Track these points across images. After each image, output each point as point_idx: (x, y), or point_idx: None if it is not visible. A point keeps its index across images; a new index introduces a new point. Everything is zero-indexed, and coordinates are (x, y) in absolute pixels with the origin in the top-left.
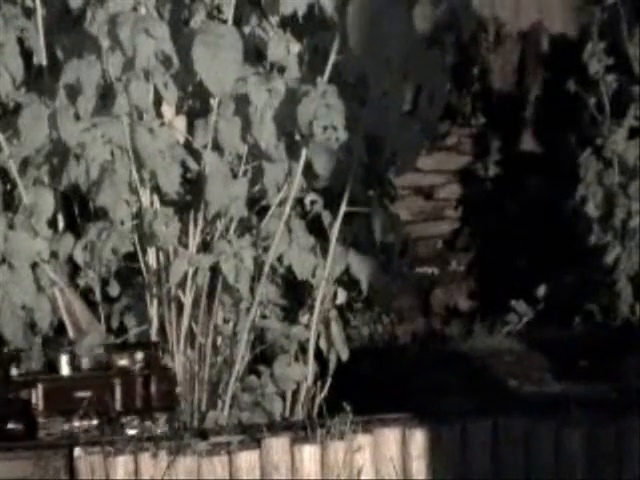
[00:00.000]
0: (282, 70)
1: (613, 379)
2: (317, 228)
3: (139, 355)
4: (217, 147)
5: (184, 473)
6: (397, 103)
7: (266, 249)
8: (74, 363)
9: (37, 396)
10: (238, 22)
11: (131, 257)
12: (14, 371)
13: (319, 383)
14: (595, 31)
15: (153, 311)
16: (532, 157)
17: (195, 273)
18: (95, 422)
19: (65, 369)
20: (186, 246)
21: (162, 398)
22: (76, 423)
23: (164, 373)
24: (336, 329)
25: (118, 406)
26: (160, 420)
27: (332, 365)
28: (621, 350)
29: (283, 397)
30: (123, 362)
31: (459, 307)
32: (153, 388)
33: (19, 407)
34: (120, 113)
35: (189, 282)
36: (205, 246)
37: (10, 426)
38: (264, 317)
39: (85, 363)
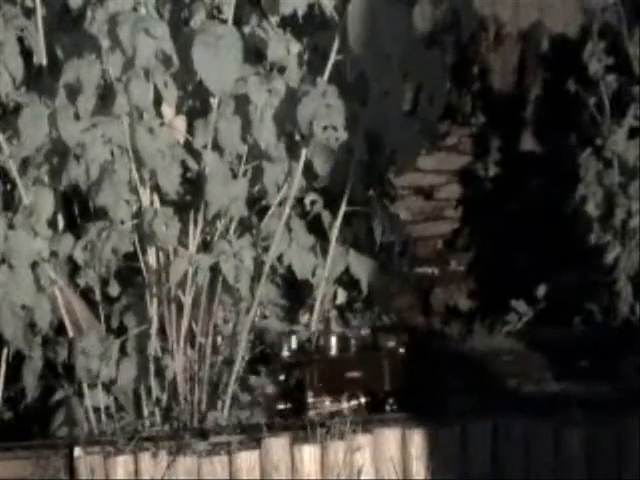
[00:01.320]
0: (282, 70)
1: (613, 379)
2: (317, 228)
3: (404, 337)
4: (217, 147)
5: (184, 473)
6: (397, 103)
7: (266, 249)
8: (343, 344)
9: (309, 376)
10: (238, 22)
11: (131, 257)
12: (285, 352)
13: None
14: (595, 31)
15: (153, 311)
16: (532, 157)
17: (195, 273)
18: (363, 402)
19: (334, 349)
20: (186, 246)
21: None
22: (344, 404)
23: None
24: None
25: (387, 386)
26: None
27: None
28: (621, 350)
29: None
30: (391, 343)
31: (459, 307)
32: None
33: (289, 387)
34: (120, 113)
35: (189, 282)
36: (205, 246)
37: (280, 406)
38: (264, 317)
39: (353, 345)
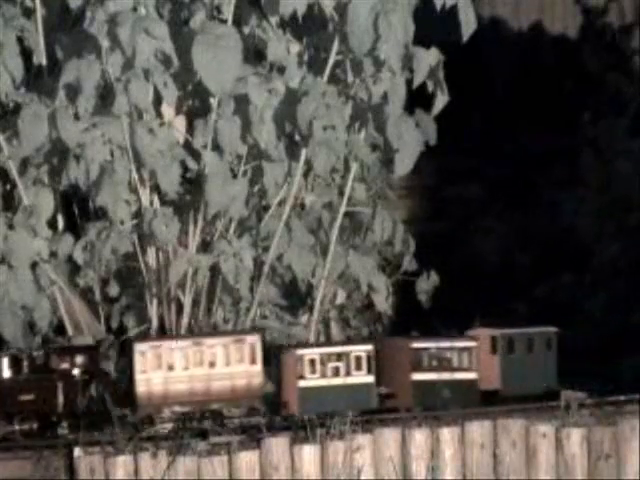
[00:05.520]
0: (282, 70)
1: (613, 379)
2: (317, 228)
3: (79, 359)
4: (217, 147)
5: (184, 473)
6: (397, 103)
7: (266, 249)
8: (16, 366)
9: None
10: (238, 22)
11: (131, 257)
12: None
13: None
14: (595, 31)
15: (153, 311)
16: (532, 157)
17: (195, 273)
18: (35, 425)
19: (6, 372)
20: (186, 246)
21: (102, 402)
22: (16, 426)
23: (104, 377)
24: (336, 329)
25: (59, 409)
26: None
27: None
28: (621, 350)
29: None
30: (64, 365)
31: (461, 307)
32: (93, 391)
33: None
34: (120, 113)
35: (189, 282)
36: (205, 246)
37: None
38: (264, 317)
39: (25, 366)
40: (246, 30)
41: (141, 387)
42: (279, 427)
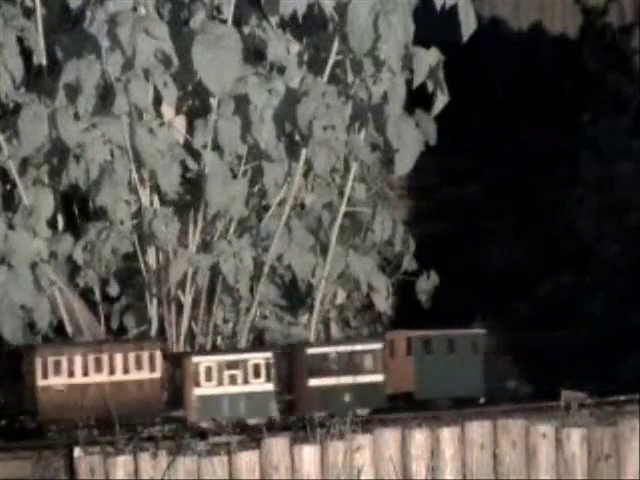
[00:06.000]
0: (282, 70)
1: (613, 379)
2: (317, 228)
3: None
4: (217, 147)
5: (184, 473)
6: (397, 103)
7: (266, 249)
8: None
9: None
10: (238, 22)
11: (131, 257)
12: None
13: None
14: (595, 31)
15: (153, 311)
16: (532, 157)
17: (195, 273)
18: None
19: None
20: (186, 246)
21: None
22: None
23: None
24: (336, 329)
25: None
26: None
27: None
28: (621, 350)
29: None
30: None
31: (459, 307)
32: None
33: None
34: (120, 113)
35: (189, 282)
36: (205, 246)
37: None
38: (264, 317)
39: None
40: (246, 30)
41: (42, 393)
42: (279, 427)
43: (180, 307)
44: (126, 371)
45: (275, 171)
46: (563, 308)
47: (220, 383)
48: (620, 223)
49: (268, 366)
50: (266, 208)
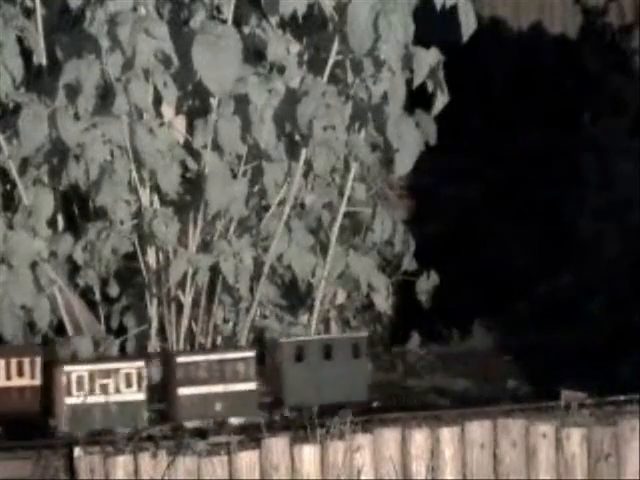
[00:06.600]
0: (282, 70)
1: (613, 379)
2: (317, 228)
3: None
4: (217, 147)
5: (184, 473)
6: (397, 103)
7: (266, 249)
8: None
9: None
10: (238, 22)
11: (131, 257)
12: None
13: None
14: (595, 31)
15: (153, 311)
16: (532, 156)
17: (195, 273)
18: None
19: None
20: (186, 246)
21: None
22: None
23: None
24: (336, 329)
25: None
26: None
27: None
28: (621, 350)
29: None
30: None
31: (461, 307)
32: None
33: None
34: (120, 113)
35: (189, 282)
36: (205, 246)
37: None
38: (264, 317)
39: None
40: (246, 30)
41: None
42: (279, 427)
43: (180, 307)
44: (8, 378)
45: (275, 171)
46: (563, 308)
47: (92, 392)
48: (620, 223)
49: (140, 375)
50: (266, 208)
